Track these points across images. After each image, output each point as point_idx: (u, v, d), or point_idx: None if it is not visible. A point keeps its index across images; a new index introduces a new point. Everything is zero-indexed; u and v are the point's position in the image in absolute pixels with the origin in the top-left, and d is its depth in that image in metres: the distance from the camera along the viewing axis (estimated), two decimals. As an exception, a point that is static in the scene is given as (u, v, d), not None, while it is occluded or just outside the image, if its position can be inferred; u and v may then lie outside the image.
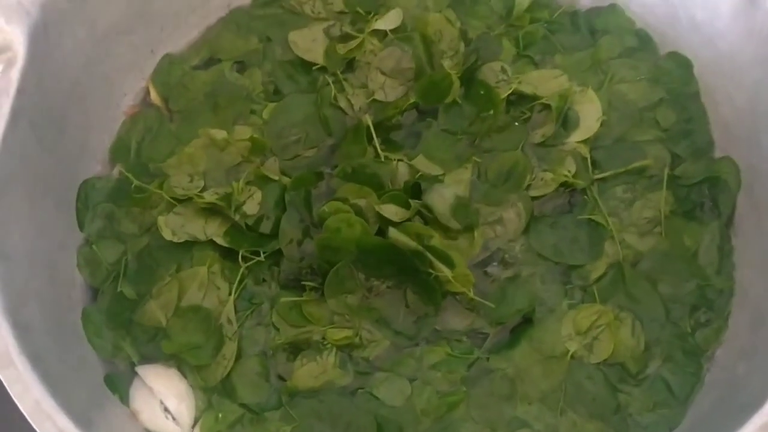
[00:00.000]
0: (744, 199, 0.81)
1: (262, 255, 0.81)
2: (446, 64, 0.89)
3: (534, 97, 0.86)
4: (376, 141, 0.84)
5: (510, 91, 0.86)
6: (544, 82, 0.87)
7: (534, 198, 0.83)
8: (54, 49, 0.82)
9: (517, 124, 0.86)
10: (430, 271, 0.77)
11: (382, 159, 0.84)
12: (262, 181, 0.84)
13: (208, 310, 0.79)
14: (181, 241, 0.81)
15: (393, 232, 0.77)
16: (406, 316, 0.79)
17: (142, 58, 0.93)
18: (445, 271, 0.77)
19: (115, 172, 0.89)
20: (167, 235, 0.81)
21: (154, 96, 0.93)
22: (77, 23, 0.84)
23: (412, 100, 0.87)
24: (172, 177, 0.85)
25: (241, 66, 0.93)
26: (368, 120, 0.84)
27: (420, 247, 0.77)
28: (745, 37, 0.79)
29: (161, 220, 0.82)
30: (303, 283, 0.80)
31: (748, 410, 0.60)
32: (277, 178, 0.84)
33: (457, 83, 0.87)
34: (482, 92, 0.87)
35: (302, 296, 0.80)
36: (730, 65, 0.82)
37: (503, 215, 0.83)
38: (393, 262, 0.77)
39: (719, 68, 0.83)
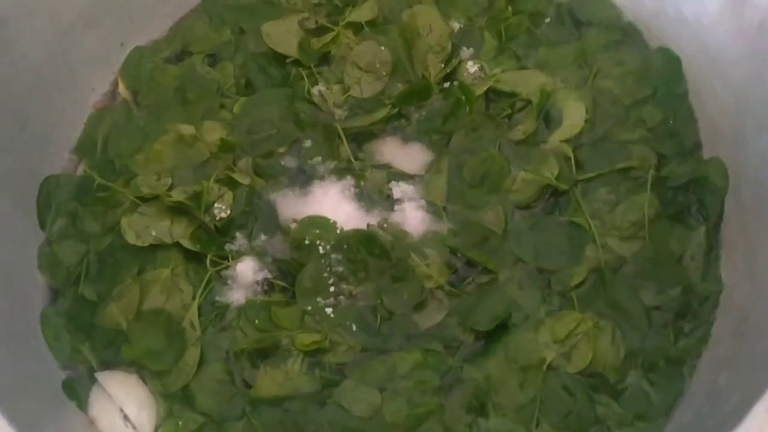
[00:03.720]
0: (730, 200, 0.77)
1: (230, 259, 0.78)
2: (430, 59, 0.85)
3: (513, 94, 0.83)
4: (347, 147, 0.82)
5: (486, 88, 0.82)
6: (524, 80, 0.83)
7: (516, 205, 0.80)
8: (13, 42, 0.79)
9: (494, 122, 0.82)
10: (406, 260, 0.76)
11: (356, 166, 0.82)
12: (232, 180, 0.81)
13: (170, 314, 0.76)
14: (146, 244, 0.78)
15: (371, 226, 0.77)
16: (381, 314, 0.76)
17: (111, 51, 0.91)
18: (421, 263, 0.75)
19: (81, 169, 0.86)
20: (131, 238, 0.78)
21: (122, 90, 0.90)
22: (39, 15, 0.81)
23: (388, 110, 0.83)
24: (140, 177, 0.82)
25: (213, 59, 0.90)
26: (339, 127, 0.82)
27: (397, 239, 0.77)
28: (733, 33, 0.76)
29: (124, 221, 0.79)
30: (272, 281, 0.77)
31: (727, 425, 0.57)
32: (247, 182, 0.81)
33: (436, 89, 0.84)
34: (458, 90, 0.83)
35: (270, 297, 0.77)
36: (717, 61, 0.78)
37: (482, 218, 0.79)
38: (370, 254, 0.76)
39: (706, 64, 0.80)
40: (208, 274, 0.77)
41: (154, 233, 0.78)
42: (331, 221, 0.78)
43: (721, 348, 0.72)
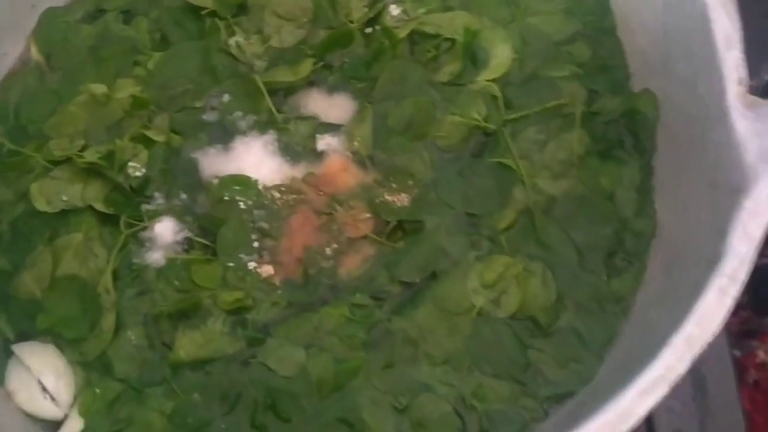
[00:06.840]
0: (662, 132, 0.74)
1: (146, 220, 0.75)
2: (354, 4, 0.82)
3: (438, 36, 0.79)
4: (269, 100, 0.78)
5: (409, 31, 0.79)
6: (448, 21, 0.80)
7: (444, 149, 0.77)
8: None
9: (420, 65, 0.79)
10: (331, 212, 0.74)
11: (279, 119, 0.78)
12: (148, 138, 0.78)
13: (85, 280, 0.73)
14: (57, 210, 0.75)
15: (295, 180, 0.76)
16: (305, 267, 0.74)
17: (22, 14, 0.86)
18: (346, 214, 0.74)
19: (-6, 137, 0.83)
20: (41, 205, 0.75)
21: (34, 53, 0.86)
22: (-61, -21, 0.78)
23: (312, 66, 0.80)
24: (53, 140, 0.78)
25: (128, 16, 0.86)
26: (258, 79, 0.78)
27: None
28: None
29: (34, 187, 0.76)
30: (192, 239, 0.75)
31: (649, 360, 0.54)
32: (162, 139, 0.77)
33: (359, 35, 0.81)
34: (381, 34, 0.80)
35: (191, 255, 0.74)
36: (644, -10, 0.75)
37: (409, 166, 0.76)
38: None
39: (634, -5, 0.76)
40: (122, 236, 0.74)
41: (65, 198, 0.75)
42: (252, 179, 0.76)
43: (653, 284, 0.70)
